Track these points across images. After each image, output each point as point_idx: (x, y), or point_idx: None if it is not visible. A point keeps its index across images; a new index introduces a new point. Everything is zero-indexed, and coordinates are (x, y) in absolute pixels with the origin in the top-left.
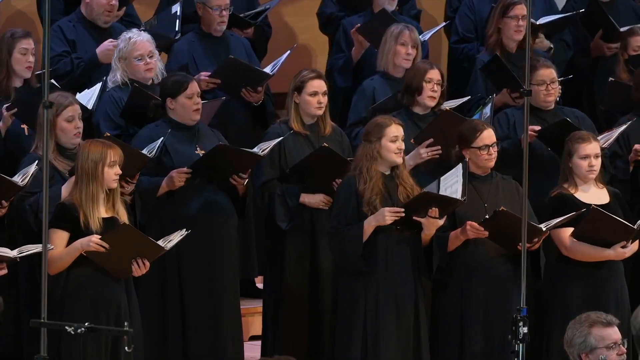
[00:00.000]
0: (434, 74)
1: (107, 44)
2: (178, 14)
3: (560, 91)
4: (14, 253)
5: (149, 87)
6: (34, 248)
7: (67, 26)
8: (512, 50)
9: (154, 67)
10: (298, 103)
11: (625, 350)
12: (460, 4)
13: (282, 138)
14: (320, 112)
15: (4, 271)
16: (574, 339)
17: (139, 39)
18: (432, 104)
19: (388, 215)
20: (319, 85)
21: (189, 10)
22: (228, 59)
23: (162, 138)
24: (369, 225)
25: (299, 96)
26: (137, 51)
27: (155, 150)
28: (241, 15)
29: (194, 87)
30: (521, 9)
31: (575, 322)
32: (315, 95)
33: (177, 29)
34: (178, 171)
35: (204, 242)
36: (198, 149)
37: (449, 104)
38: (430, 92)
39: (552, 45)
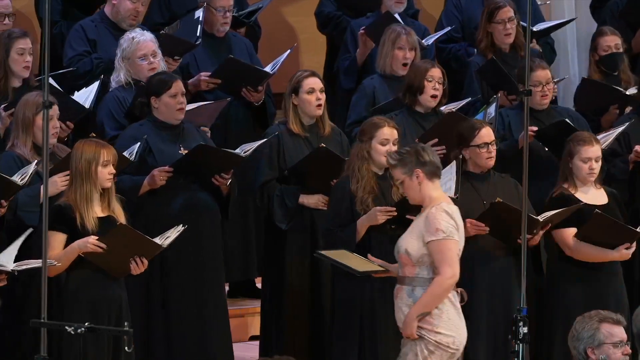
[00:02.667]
0: (436, 72)
1: None
2: (200, 19)
3: (557, 90)
4: (12, 266)
5: None
6: (33, 263)
7: (89, 26)
8: (505, 50)
9: (158, 66)
10: (297, 104)
11: (630, 351)
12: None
13: (265, 140)
14: (320, 111)
15: (3, 282)
16: (582, 333)
17: (142, 38)
18: (434, 104)
19: (379, 214)
20: (315, 82)
21: (183, 9)
22: (228, 59)
23: (138, 143)
24: (362, 225)
25: (297, 97)
26: (140, 51)
27: (134, 153)
28: (234, 14)
29: (178, 87)
30: (506, 12)
31: (585, 316)
32: (313, 93)
33: (198, 34)
34: (160, 170)
35: (188, 242)
36: (181, 148)
37: (450, 107)
38: (432, 90)
39: (540, 49)
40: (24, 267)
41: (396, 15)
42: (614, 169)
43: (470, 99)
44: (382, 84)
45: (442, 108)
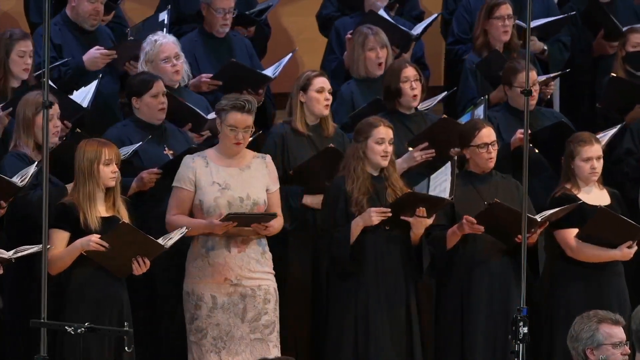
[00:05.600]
0: (409, 72)
1: (94, 51)
2: (166, 22)
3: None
4: (9, 254)
5: (176, 91)
6: (30, 248)
7: (52, 30)
8: (499, 50)
9: (181, 69)
10: (304, 102)
11: (629, 351)
12: (456, 6)
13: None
14: (327, 112)
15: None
16: (580, 334)
17: (165, 41)
18: (416, 103)
19: (374, 215)
20: (324, 82)
21: (193, 9)
22: (230, 62)
23: (140, 143)
24: (357, 226)
25: (305, 94)
26: (163, 53)
27: (129, 153)
28: (245, 12)
29: (159, 87)
30: (506, 9)
31: (583, 317)
32: (322, 92)
33: None
34: (148, 172)
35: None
36: (166, 148)
37: (424, 104)
38: (410, 90)
39: (545, 47)
40: (22, 253)
41: (381, 12)
42: (627, 168)
43: (445, 93)
44: (359, 88)
45: (420, 106)
